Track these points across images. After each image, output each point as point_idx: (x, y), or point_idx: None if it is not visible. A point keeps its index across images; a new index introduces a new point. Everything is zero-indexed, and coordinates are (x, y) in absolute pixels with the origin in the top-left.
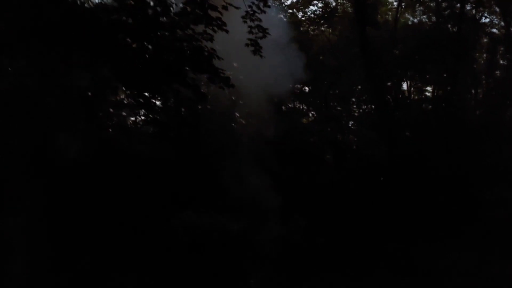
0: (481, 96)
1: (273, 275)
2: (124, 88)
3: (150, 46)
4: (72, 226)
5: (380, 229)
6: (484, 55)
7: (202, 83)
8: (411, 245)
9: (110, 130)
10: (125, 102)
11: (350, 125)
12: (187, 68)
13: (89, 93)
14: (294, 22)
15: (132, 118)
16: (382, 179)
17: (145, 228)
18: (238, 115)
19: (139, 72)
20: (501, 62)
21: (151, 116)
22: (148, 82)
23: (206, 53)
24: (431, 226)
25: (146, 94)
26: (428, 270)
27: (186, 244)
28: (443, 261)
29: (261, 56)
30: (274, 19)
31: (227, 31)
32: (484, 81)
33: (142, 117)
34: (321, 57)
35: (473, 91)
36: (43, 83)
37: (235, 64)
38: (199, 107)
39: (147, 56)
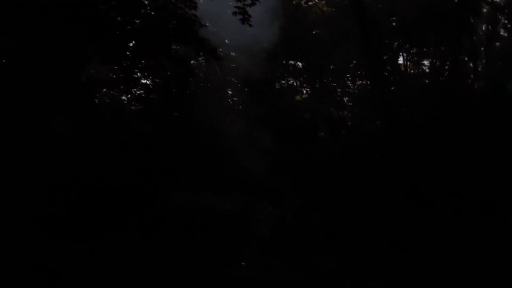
0: (480, 68)
1: (266, 255)
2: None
3: (130, 17)
4: (63, 205)
5: (378, 207)
6: (484, 26)
7: (193, 61)
8: (411, 223)
9: (100, 108)
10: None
11: (345, 101)
12: (170, 39)
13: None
14: None
15: (124, 97)
16: (378, 155)
17: (137, 209)
18: (230, 92)
19: (119, 44)
20: (502, 33)
21: (137, 93)
22: (129, 55)
23: (188, 21)
24: (431, 203)
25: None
26: (429, 247)
27: (179, 224)
28: (443, 238)
29: (250, 25)
30: None
31: None
32: (484, 53)
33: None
34: (314, 32)
35: (471, 64)
36: (28, 60)
37: (226, 41)
38: (190, 85)
39: (127, 26)
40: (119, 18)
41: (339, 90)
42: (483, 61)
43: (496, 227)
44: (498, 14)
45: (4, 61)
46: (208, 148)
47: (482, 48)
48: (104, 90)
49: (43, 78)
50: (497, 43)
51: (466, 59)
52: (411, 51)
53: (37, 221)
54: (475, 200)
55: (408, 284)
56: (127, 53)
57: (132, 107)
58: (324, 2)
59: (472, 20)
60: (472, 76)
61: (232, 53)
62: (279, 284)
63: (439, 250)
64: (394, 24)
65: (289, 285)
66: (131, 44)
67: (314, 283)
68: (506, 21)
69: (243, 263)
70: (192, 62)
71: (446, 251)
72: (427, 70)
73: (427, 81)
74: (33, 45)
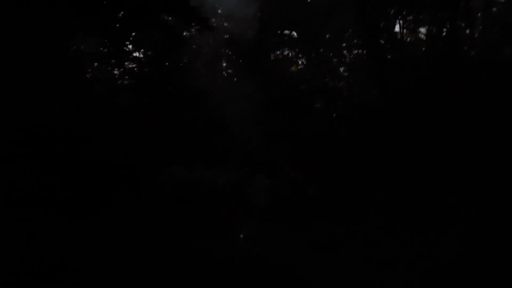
0: (476, 35)
1: (262, 227)
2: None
3: None
4: (59, 182)
5: (372, 178)
6: None
7: (186, 33)
8: (404, 193)
9: (92, 84)
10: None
11: (341, 70)
12: (159, 9)
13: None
14: None
15: (116, 72)
16: (374, 125)
17: (133, 184)
18: (224, 64)
19: (105, 16)
20: None
21: (129, 66)
22: (117, 27)
23: None
24: (426, 174)
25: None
26: (421, 219)
27: (174, 198)
28: (437, 212)
29: None
30: None
31: None
32: (480, 19)
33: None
34: (309, 0)
35: (468, 31)
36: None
37: (219, 11)
38: (183, 58)
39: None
40: None
41: (335, 59)
42: (480, 27)
43: (494, 193)
44: None
45: None
46: (202, 122)
47: (479, 14)
48: (95, 64)
49: (25, 53)
50: (494, 9)
51: (462, 25)
52: (408, 18)
53: (32, 198)
54: (470, 166)
55: (405, 249)
56: (116, 25)
57: (125, 82)
58: None
59: None
60: (468, 43)
61: (226, 24)
62: (277, 255)
63: (435, 216)
64: None
65: (287, 255)
66: (119, 16)
67: (311, 252)
68: None
69: (241, 236)
70: (184, 33)
71: (442, 217)
72: (424, 38)
73: (423, 48)
74: (13, 21)
